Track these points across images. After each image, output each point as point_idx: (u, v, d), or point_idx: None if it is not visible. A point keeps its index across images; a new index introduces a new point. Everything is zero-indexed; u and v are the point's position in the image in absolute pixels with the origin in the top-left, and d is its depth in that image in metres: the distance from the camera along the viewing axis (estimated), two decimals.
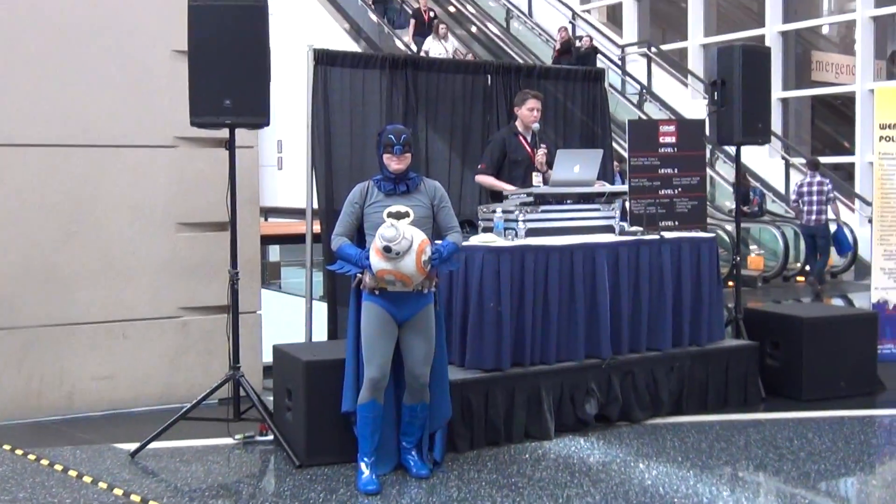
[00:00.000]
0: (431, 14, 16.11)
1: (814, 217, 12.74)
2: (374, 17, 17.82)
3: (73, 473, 5.35)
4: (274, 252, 13.51)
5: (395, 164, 5.11)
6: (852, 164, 16.04)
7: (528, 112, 6.94)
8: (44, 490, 5.09)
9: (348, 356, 5.30)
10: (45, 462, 5.57)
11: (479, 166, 7.03)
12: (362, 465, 5.11)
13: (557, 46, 17.71)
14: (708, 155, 13.86)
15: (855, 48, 16.40)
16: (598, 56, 18.12)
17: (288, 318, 7.89)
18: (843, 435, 6.08)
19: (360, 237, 5.24)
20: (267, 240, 9.99)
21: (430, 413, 5.33)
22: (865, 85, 15.75)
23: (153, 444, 5.72)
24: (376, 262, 4.90)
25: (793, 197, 13.29)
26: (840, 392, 6.93)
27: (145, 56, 6.80)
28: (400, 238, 4.80)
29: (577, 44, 17.80)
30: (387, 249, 4.81)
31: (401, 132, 5.16)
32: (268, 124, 5.91)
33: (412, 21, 17.14)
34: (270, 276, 13.11)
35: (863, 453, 5.77)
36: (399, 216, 4.99)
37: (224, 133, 5.93)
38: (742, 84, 7.15)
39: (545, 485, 5.13)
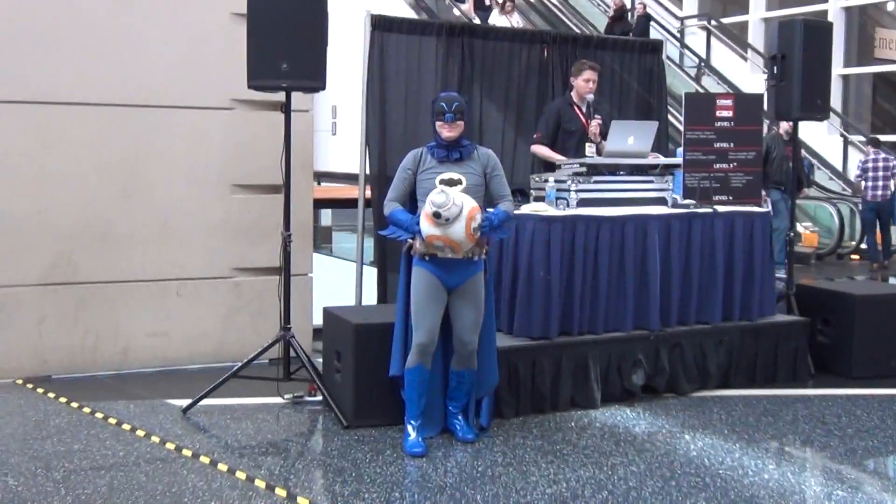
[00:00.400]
0: None
1: (879, 192, 12.66)
2: None
3: (126, 427, 5.48)
4: (326, 216, 13.63)
5: (446, 131, 5.12)
6: None
7: (584, 83, 6.92)
8: (98, 442, 5.22)
9: (397, 320, 5.34)
10: (99, 415, 5.70)
11: (535, 136, 7.03)
12: (409, 428, 5.16)
13: (611, 13, 17.58)
14: (766, 130, 13.70)
15: None
16: (655, 26, 17.95)
17: (339, 282, 7.96)
18: (893, 412, 6.03)
19: (413, 204, 5.26)
20: (319, 204, 10.07)
21: (478, 379, 5.36)
22: None
23: (205, 401, 5.82)
24: (426, 227, 4.94)
25: (857, 173, 13.16)
26: (890, 370, 6.86)
27: (204, 18, 6.86)
28: (450, 204, 4.82)
29: (630, 10, 17.67)
30: (436, 215, 4.84)
31: (453, 100, 5.17)
32: (324, 88, 5.94)
33: None
34: (322, 240, 13.22)
35: None
36: (451, 183, 5.01)
37: (280, 96, 5.98)
38: (802, 59, 7.05)
39: (590, 453, 5.16)
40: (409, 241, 5.15)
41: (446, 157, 5.15)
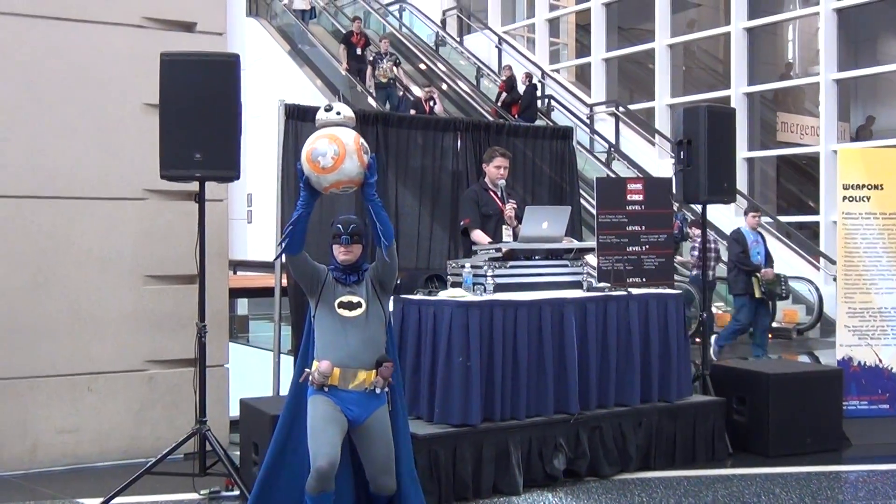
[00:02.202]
0: (432, 104, 16.37)
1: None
2: (344, 73, 17.97)
3: None
4: (242, 305, 13.45)
5: (342, 254, 4.92)
6: (817, 223, 16.23)
7: (496, 170, 7.08)
8: None
9: (269, 452, 5.03)
10: None
11: (463, 222, 7.09)
12: None
13: (502, 84, 18.29)
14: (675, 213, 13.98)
15: (819, 110, 16.67)
16: (564, 112, 18.50)
17: (256, 372, 7.84)
18: (811, 491, 6.10)
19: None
20: (235, 293, 9.95)
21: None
22: (829, 146, 16.00)
23: (117, 500, 5.64)
24: (324, 179, 4.78)
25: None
26: (806, 448, 6.97)
27: (116, 108, 6.82)
28: (330, 152, 4.72)
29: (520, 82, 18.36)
30: (324, 168, 4.73)
31: (350, 222, 4.96)
32: (238, 178, 5.92)
33: (342, 46, 17.68)
34: (238, 330, 13.04)
35: None
36: (351, 306, 4.92)
37: (193, 186, 5.94)
38: (707, 144, 7.27)
39: None
40: (306, 370, 4.91)
41: (344, 280, 4.96)
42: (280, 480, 4.96)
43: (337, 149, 4.74)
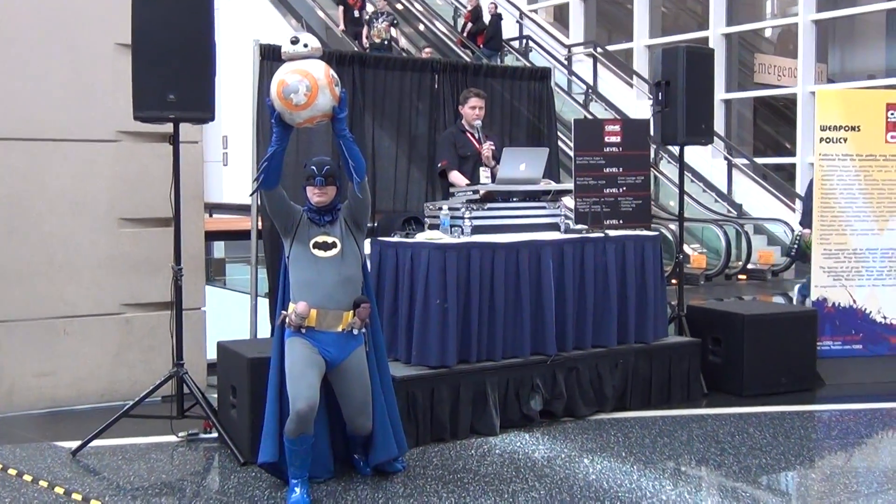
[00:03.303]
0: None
1: None
2: (321, 14, 17.74)
3: (12, 472, 5.27)
4: (219, 248, 13.41)
5: (317, 196, 4.90)
6: (793, 165, 16.29)
7: (471, 110, 7.05)
8: None
9: (269, 400, 5.00)
10: None
11: (440, 164, 7.06)
12: (293, 482, 4.83)
13: (467, 14, 18.18)
14: (652, 155, 14.00)
15: (797, 50, 16.64)
16: (542, 53, 18.38)
17: (233, 315, 7.84)
18: (784, 430, 6.17)
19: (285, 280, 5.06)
20: (212, 236, 9.90)
21: (373, 449, 5.15)
22: (807, 87, 16.01)
23: (95, 442, 5.65)
24: (297, 115, 4.75)
25: None
26: (780, 388, 7.05)
27: (88, 49, 6.71)
28: (301, 88, 4.68)
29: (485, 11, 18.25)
30: (297, 105, 4.70)
31: (323, 163, 4.93)
32: (213, 119, 5.85)
33: (340, 8, 17.15)
34: (215, 273, 13.02)
35: (802, 447, 5.87)
36: (326, 246, 4.92)
37: (168, 128, 5.87)
38: (686, 85, 7.23)
39: (490, 480, 5.15)
40: (283, 313, 4.92)
41: (318, 221, 4.94)
42: (284, 424, 4.90)
43: (309, 84, 4.69)
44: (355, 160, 4.88)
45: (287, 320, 4.87)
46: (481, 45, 17.66)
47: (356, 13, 16.93)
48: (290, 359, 4.84)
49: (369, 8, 17.27)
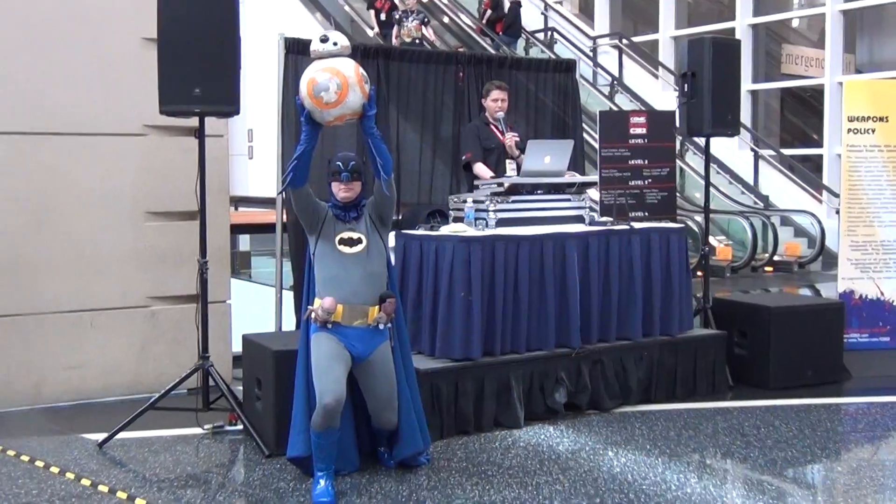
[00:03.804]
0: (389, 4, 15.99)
1: None
2: (346, 8, 17.72)
3: (39, 464, 5.32)
4: (244, 241, 13.46)
5: (343, 191, 4.91)
6: (820, 157, 16.15)
7: (493, 103, 7.07)
8: (10, 481, 5.05)
9: (297, 395, 5.03)
10: (11, 452, 5.53)
11: (465, 156, 7.07)
12: (318, 474, 4.80)
13: (486, 2, 18.01)
14: (678, 146, 13.92)
15: (824, 41, 16.50)
16: (567, 45, 18.27)
17: (258, 308, 7.86)
18: (810, 422, 6.14)
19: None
20: (237, 229, 9.95)
21: (399, 442, 5.17)
22: (834, 78, 15.86)
23: (121, 435, 5.69)
24: (328, 114, 4.77)
25: None
26: (807, 380, 7.00)
27: (114, 44, 6.75)
28: (332, 85, 4.69)
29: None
30: (328, 103, 4.72)
31: (349, 159, 4.95)
32: (238, 113, 5.88)
33: (371, 12, 16.95)
34: (241, 266, 13.06)
35: (828, 440, 5.84)
36: (351, 242, 4.93)
37: (194, 122, 5.90)
38: (712, 76, 7.20)
39: (514, 472, 5.15)
40: (310, 308, 4.93)
41: (343, 217, 4.95)
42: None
43: (339, 82, 4.70)
44: (383, 158, 4.90)
45: (314, 315, 4.89)
46: (500, 33, 17.61)
47: (383, 16, 16.72)
48: (316, 354, 4.86)
49: (400, 7, 17.08)
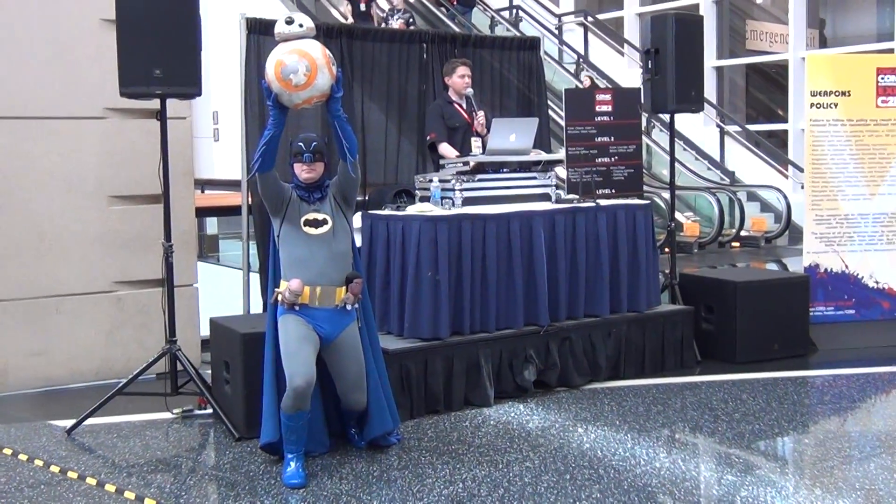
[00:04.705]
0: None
1: None
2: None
3: (7, 451, 5.28)
4: (212, 224, 13.38)
5: (305, 172, 4.87)
6: (786, 132, 16.25)
7: (460, 79, 7.03)
8: None
9: (266, 380, 5.01)
10: None
11: (429, 136, 7.03)
12: (288, 457, 4.82)
13: None
14: (644, 123, 13.95)
15: (788, 17, 16.57)
16: (532, 23, 18.23)
17: (227, 291, 7.82)
18: (777, 395, 6.19)
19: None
20: (203, 212, 9.87)
21: (368, 423, 5.17)
22: (798, 53, 15.93)
23: (90, 421, 5.66)
24: (295, 96, 4.73)
25: None
26: (773, 354, 7.07)
27: (72, 25, 6.66)
28: (301, 67, 4.66)
29: None
30: (297, 85, 4.68)
31: (311, 140, 4.90)
32: (199, 94, 5.82)
33: (345, 2, 16.56)
34: (208, 249, 12.99)
35: (795, 413, 5.89)
36: (317, 224, 4.89)
37: (155, 104, 5.84)
38: (675, 52, 7.20)
39: (485, 451, 5.16)
40: (277, 291, 4.89)
41: (308, 198, 4.91)
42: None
43: (308, 64, 4.68)
44: (349, 140, 4.90)
45: (280, 298, 4.86)
46: (454, 3, 17.52)
47: (363, 6, 16.24)
48: (284, 336, 4.84)
49: (383, 4, 16.69)
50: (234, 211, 8.19)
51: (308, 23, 4.79)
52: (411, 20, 15.47)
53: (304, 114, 6.74)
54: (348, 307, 4.95)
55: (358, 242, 6.09)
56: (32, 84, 6.54)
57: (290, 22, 4.76)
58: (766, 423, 5.64)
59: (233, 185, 11.34)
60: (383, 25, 14.84)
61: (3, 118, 6.46)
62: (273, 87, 4.73)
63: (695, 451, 5.30)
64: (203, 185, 13.95)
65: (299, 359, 4.76)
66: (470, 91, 7.05)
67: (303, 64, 4.66)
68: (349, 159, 4.90)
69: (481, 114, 7.00)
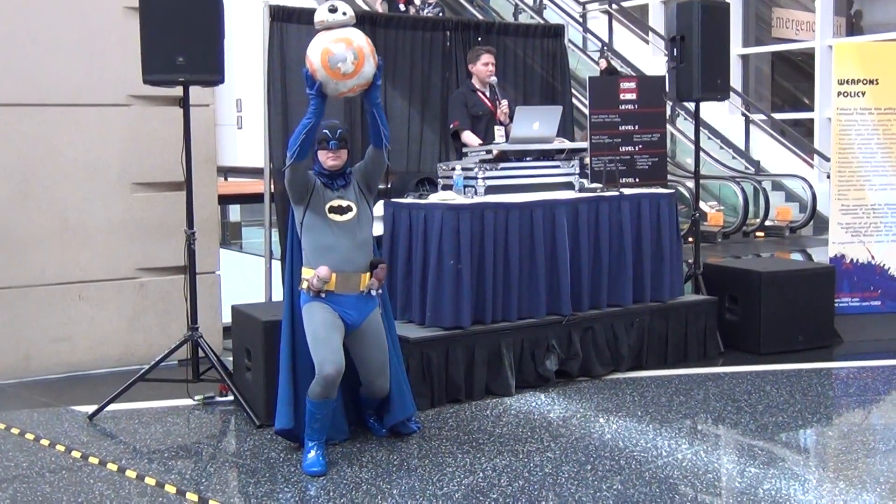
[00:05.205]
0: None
1: None
2: None
3: (30, 437, 5.30)
4: (235, 212, 13.42)
5: (331, 160, 4.85)
6: (812, 121, 16.11)
7: (483, 67, 7.00)
8: (0, 454, 5.04)
9: (283, 366, 5.03)
10: (1, 425, 5.51)
11: (452, 124, 7.00)
12: (309, 444, 4.81)
13: None
14: (669, 112, 13.87)
15: (815, 4, 16.41)
16: (557, 11, 18.09)
17: (249, 279, 7.83)
18: (801, 387, 6.14)
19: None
20: (226, 199, 9.91)
21: (389, 409, 5.18)
22: (825, 41, 15.79)
23: (112, 406, 5.68)
24: (340, 84, 4.73)
25: None
26: (798, 345, 7.00)
27: (97, 13, 6.67)
28: (350, 56, 4.66)
29: None
30: (345, 74, 4.68)
31: (336, 127, 4.89)
32: (222, 82, 5.81)
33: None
34: (231, 237, 13.03)
35: (819, 405, 5.84)
36: (342, 210, 4.88)
37: (179, 91, 5.83)
38: (701, 40, 7.13)
39: (506, 440, 5.14)
40: (303, 278, 4.86)
41: (332, 185, 4.90)
42: (300, 390, 4.96)
43: (356, 52, 4.69)
44: (385, 127, 4.95)
45: (307, 285, 4.85)
46: None
47: (402, 7, 16.11)
48: (311, 324, 4.83)
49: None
50: (256, 198, 8.20)
51: (350, 11, 4.78)
52: (440, 14, 15.41)
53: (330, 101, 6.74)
54: (373, 293, 4.96)
55: (379, 230, 6.12)
56: (57, 72, 6.56)
57: (333, 10, 4.73)
58: (789, 415, 5.59)
59: (256, 172, 11.35)
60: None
61: (27, 105, 6.48)
62: (318, 75, 4.71)
63: (717, 443, 5.27)
64: (226, 172, 13.98)
65: (329, 346, 4.75)
66: (494, 79, 7.01)
67: (350, 52, 4.66)
68: (385, 146, 4.94)
69: (504, 103, 6.96)
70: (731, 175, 14.78)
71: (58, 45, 6.56)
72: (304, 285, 4.87)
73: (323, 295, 4.84)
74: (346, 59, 4.64)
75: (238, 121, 18.26)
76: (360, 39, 4.73)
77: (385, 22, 7.57)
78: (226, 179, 13.53)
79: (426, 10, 15.12)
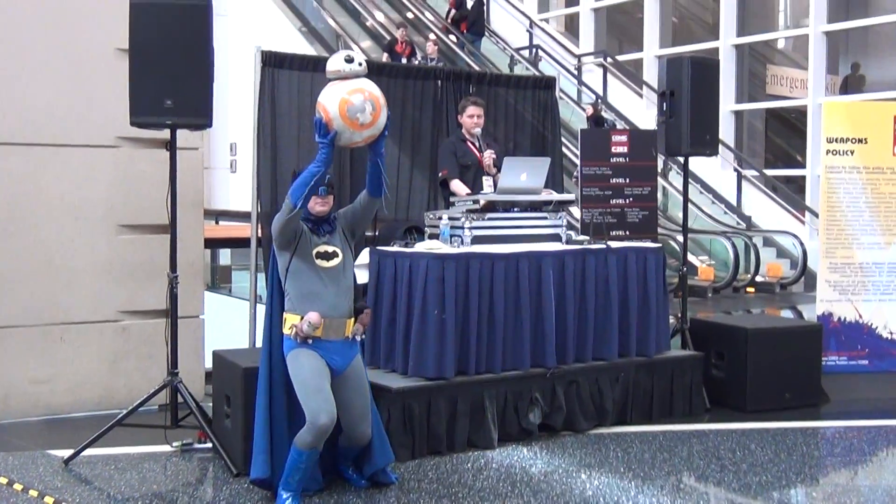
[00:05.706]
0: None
1: None
2: (332, 23, 17.68)
3: (3, 480, 5.23)
4: (225, 256, 13.38)
5: (319, 206, 4.86)
6: (803, 178, 16.19)
7: (469, 119, 7.00)
8: None
9: (259, 414, 4.95)
10: None
11: (441, 173, 7.00)
12: (283, 494, 4.76)
13: (451, 0, 18.33)
14: (661, 165, 13.92)
15: (808, 62, 16.55)
16: (551, 62, 18.31)
17: (236, 323, 7.77)
18: (786, 446, 6.08)
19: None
20: (215, 243, 9.88)
21: (370, 457, 5.11)
22: (817, 99, 15.90)
23: (88, 451, 5.60)
24: (355, 135, 4.73)
25: None
26: (784, 403, 6.94)
27: (87, 54, 6.67)
28: (367, 107, 4.69)
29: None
30: (363, 124, 4.70)
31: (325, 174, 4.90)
32: (210, 126, 5.81)
33: (385, 55, 16.47)
34: (221, 280, 12.96)
35: (804, 465, 5.78)
36: (328, 256, 4.88)
37: (167, 134, 5.83)
38: (690, 95, 7.15)
39: (485, 495, 5.07)
40: (294, 326, 4.79)
41: (318, 231, 4.90)
42: (276, 438, 4.92)
43: (374, 104, 4.71)
44: (385, 177, 4.97)
45: (295, 331, 4.80)
46: (465, 31, 17.64)
47: (403, 60, 16.11)
48: (300, 372, 4.79)
49: (419, 53, 16.73)
50: (246, 243, 8.17)
51: (364, 62, 4.80)
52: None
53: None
54: (357, 338, 4.95)
55: (364, 278, 6.08)
56: (46, 111, 6.55)
57: (349, 60, 4.74)
58: (773, 474, 5.53)
59: (248, 216, 11.34)
60: None
61: (15, 144, 6.46)
62: (335, 124, 4.69)
63: (699, 502, 5.20)
64: (218, 215, 13.97)
65: (322, 395, 4.70)
66: (478, 130, 7.00)
67: (369, 104, 4.68)
68: (384, 195, 4.96)
69: (488, 153, 6.93)
70: (722, 230, 14.82)
71: (48, 85, 6.56)
72: (291, 331, 4.82)
73: (310, 341, 4.79)
74: (364, 110, 4.66)
75: (232, 164, 18.29)
76: (375, 90, 4.76)
77: (378, 70, 7.57)
78: (217, 223, 13.51)
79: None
